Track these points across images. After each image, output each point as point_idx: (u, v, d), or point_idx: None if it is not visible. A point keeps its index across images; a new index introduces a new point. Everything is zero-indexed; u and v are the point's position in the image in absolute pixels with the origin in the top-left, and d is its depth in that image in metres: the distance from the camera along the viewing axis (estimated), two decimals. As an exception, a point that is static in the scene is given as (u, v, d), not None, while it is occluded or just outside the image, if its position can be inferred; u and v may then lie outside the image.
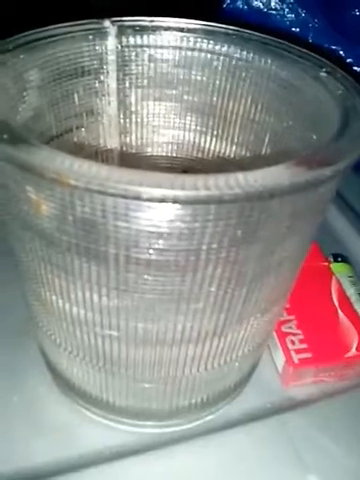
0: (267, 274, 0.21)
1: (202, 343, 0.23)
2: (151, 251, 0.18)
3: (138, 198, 0.16)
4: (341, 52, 0.52)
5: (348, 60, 0.52)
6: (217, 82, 0.29)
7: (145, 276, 0.19)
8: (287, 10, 0.53)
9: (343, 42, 0.52)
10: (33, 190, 0.18)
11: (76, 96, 0.28)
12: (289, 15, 0.53)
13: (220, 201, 0.16)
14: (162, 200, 0.16)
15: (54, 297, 0.22)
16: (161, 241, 0.18)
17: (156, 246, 0.18)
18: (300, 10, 0.52)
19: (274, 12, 0.53)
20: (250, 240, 0.19)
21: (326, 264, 0.38)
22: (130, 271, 0.19)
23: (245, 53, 0.28)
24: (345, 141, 0.19)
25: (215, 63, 0.29)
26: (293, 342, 0.32)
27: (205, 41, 0.29)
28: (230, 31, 0.28)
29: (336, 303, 0.35)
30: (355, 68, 0.52)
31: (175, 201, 0.16)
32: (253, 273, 0.20)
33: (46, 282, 0.22)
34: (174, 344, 0.22)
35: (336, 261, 0.40)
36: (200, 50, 0.29)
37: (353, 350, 0.32)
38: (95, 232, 0.18)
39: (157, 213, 0.17)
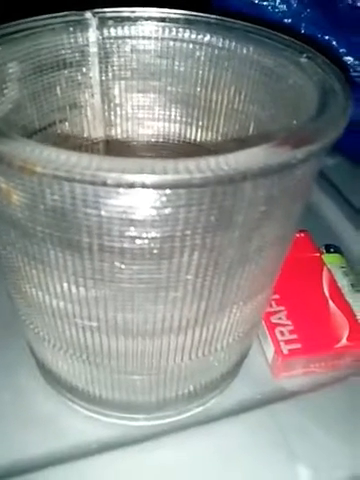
0: (246, 261, 0.21)
1: (184, 332, 0.23)
2: (124, 239, 0.18)
3: (106, 184, 0.16)
4: (334, 42, 0.52)
5: (341, 50, 0.52)
6: (200, 72, 0.29)
7: (120, 265, 0.19)
8: (279, 1, 0.52)
9: (336, 32, 0.52)
10: (3, 179, 0.18)
11: (58, 89, 0.28)
12: (281, 6, 0.53)
13: (190, 185, 0.16)
14: (131, 185, 0.16)
15: (34, 289, 0.22)
16: (133, 228, 0.17)
17: (128, 233, 0.18)
18: (292, 0, 0.52)
19: (266, 3, 0.53)
20: (225, 226, 0.19)
21: (318, 255, 0.38)
22: (104, 260, 0.19)
23: (227, 42, 0.28)
24: (320, 123, 0.19)
25: (197, 53, 0.29)
26: (282, 333, 0.32)
27: (187, 31, 0.28)
28: (212, 20, 0.28)
29: (327, 294, 0.35)
30: (348, 57, 0.51)
31: (144, 186, 0.16)
32: (231, 260, 0.20)
33: (24, 274, 0.22)
34: (155, 334, 0.22)
35: (328, 252, 0.40)
36: (182, 40, 0.29)
37: (344, 340, 0.32)
38: (67, 221, 0.18)
39: (127, 199, 0.17)
